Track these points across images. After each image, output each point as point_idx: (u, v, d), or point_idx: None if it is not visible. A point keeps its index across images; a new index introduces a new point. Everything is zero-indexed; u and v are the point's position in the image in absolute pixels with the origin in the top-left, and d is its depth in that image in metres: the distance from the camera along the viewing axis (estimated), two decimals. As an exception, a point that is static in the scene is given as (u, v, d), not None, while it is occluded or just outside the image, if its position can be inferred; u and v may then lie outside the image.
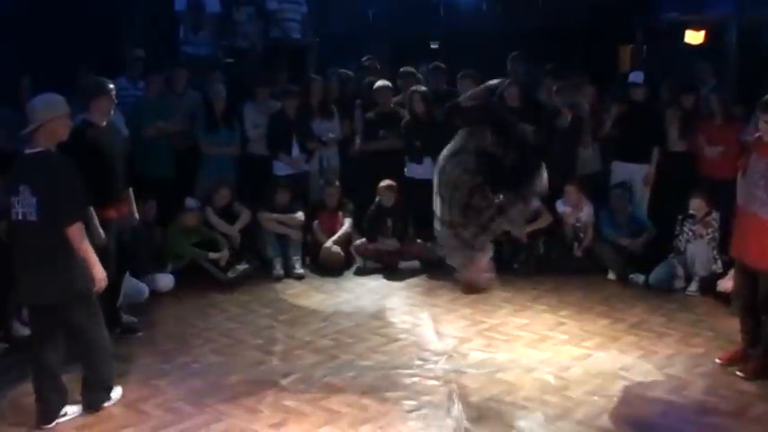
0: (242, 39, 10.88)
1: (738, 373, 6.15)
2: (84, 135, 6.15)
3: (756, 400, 5.70)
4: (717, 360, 6.41)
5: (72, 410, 5.39)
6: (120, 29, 10.67)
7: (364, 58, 10.77)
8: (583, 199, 9.08)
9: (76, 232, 5.12)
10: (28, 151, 5.22)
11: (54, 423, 5.26)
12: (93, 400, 5.45)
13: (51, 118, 5.22)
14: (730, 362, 6.32)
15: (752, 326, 6.30)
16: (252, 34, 10.84)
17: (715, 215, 8.20)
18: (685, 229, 8.37)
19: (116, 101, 6.66)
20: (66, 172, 5.16)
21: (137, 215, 7.09)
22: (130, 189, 6.90)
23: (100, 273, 5.28)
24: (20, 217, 5.16)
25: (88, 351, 5.42)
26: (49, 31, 9.65)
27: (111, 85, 6.58)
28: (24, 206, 5.13)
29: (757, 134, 6.10)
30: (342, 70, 10.50)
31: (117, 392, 5.61)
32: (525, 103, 9.61)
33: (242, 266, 8.61)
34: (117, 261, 6.60)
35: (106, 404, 5.47)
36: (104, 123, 6.50)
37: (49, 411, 5.28)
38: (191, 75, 9.64)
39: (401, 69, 10.26)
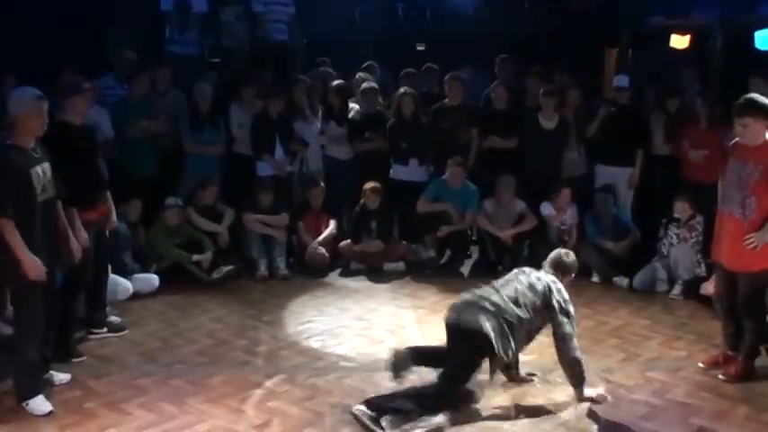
0: (228, 39, 10.88)
1: (721, 376, 6.17)
2: (57, 134, 5.98)
3: (739, 403, 5.72)
4: (700, 364, 6.44)
5: (59, 377, 5.71)
6: (106, 28, 10.64)
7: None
8: (569, 202, 9.12)
9: (2, 227, 5.15)
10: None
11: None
12: (19, 394, 5.43)
13: (22, 114, 5.27)
14: (713, 366, 6.34)
15: (734, 329, 6.33)
16: (238, 34, 10.84)
17: (699, 219, 8.24)
18: (669, 232, 8.41)
19: (93, 100, 6.60)
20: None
21: (115, 219, 7.00)
22: (108, 192, 6.80)
23: (30, 267, 5.22)
24: None
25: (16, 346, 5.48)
26: (35, 30, 9.62)
27: (88, 85, 6.54)
28: None
29: (735, 139, 6.15)
30: (322, 68, 10.54)
31: (38, 403, 5.38)
32: (512, 106, 9.69)
33: (227, 267, 8.59)
34: (97, 263, 6.58)
35: (23, 404, 5.37)
36: (80, 123, 6.41)
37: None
38: (177, 74, 9.62)
39: (404, 71, 10.28)
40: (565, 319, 5.58)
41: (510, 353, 5.47)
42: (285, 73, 10.37)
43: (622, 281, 8.64)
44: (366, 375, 6.10)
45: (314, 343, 6.84)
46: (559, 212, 9.12)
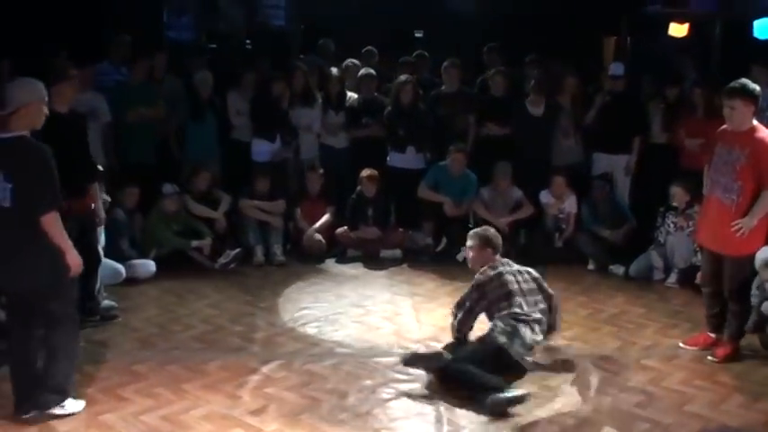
0: (226, 24, 10.86)
1: (710, 358, 6.27)
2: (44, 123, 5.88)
3: (734, 392, 5.74)
4: (680, 344, 6.57)
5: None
6: (103, 12, 10.61)
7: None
8: (566, 190, 9.12)
9: (51, 221, 4.98)
10: (1, 136, 5.03)
11: (30, 414, 5.09)
12: (43, 402, 5.12)
13: (29, 102, 5.08)
14: (694, 346, 6.49)
15: (718, 311, 6.45)
16: (236, 20, 10.82)
17: (696, 208, 8.24)
18: (667, 221, 8.42)
19: (90, 85, 6.54)
20: (43, 159, 4.98)
21: (103, 213, 6.93)
22: (96, 185, 6.72)
23: (75, 259, 5.13)
24: None
25: (55, 346, 5.16)
26: (30, 15, 9.58)
27: (74, 71, 6.49)
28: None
29: (723, 126, 6.25)
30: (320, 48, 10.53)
31: (74, 405, 5.21)
32: (509, 93, 9.68)
33: (233, 251, 8.59)
34: (87, 252, 6.51)
35: (56, 411, 5.11)
36: (65, 111, 6.35)
37: (23, 402, 5.14)
38: (174, 60, 9.59)
39: (401, 59, 10.26)
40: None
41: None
42: (283, 58, 10.35)
43: (618, 269, 8.65)
44: (362, 361, 6.11)
45: (310, 329, 6.85)
46: (557, 201, 9.12)
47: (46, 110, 5.23)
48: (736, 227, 6.02)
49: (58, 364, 5.16)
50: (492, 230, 6.56)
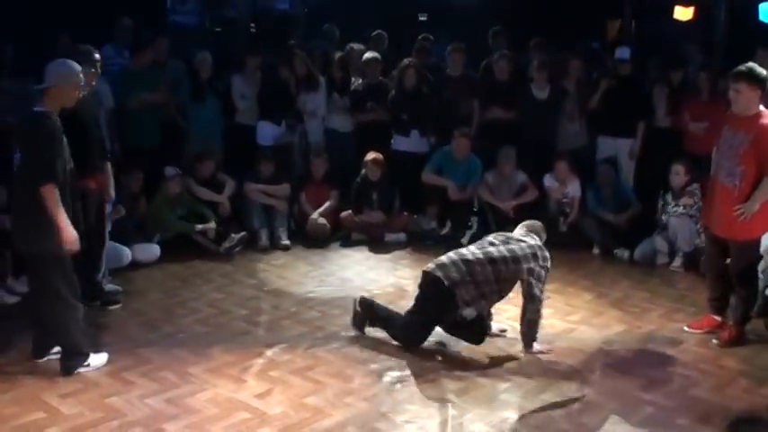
0: (230, 8, 10.82)
1: (714, 341, 6.28)
2: None
3: (738, 376, 5.75)
4: (685, 327, 6.58)
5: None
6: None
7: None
8: (570, 174, 9.11)
9: (48, 194, 5.21)
10: (35, 108, 5.38)
11: (44, 358, 5.62)
12: (67, 366, 5.48)
13: (57, 84, 5.39)
14: (699, 329, 6.49)
15: (720, 294, 6.48)
16: (240, 4, 10.78)
17: (696, 186, 8.23)
18: (668, 203, 8.41)
19: (99, 71, 6.58)
20: (45, 134, 5.27)
21: (113, 192, 6.98)
22: (108, 164, 6.82)
23: (69, 235, 5.30)
24: (15, 167, 5.66)
25: (44, 317, 5.54)
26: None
27: (97, 55, 6.53)
28: (17, 158, 5.55)
29: (729, 110, 6.26)
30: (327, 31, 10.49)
31: (98, 359, 5.61)
32: (513, 77, 9.66)
33: (238, 235, 8.59)
34: (96, 234, 6.56)
35: (82, 370, 5.48)
36: (85, 92, 6.34)
37: (36, 348, 5.65)
38: (178, 44, 9.57)
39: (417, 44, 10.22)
40: (534, 281, 5.90)
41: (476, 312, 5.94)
42: (287, 42, 10.33)
43: (623, 253, 8.65)
44: (366, 345, 6.12)
45: (315, 313, 6.86)
46: (561, 185, 9.11)
47: (79, 93, 5.60)
48: (739, 212, 6.02)
49: (54, 335, 5.58)
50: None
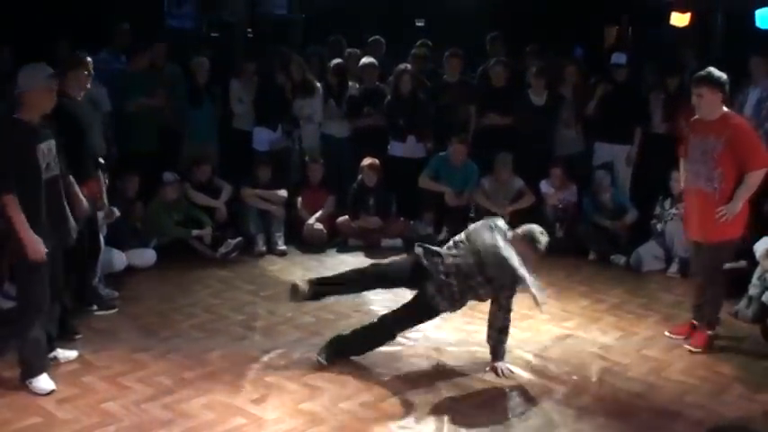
0: (227, 13, 10.82)
1: (687, 347, 6.32)
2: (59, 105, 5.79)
3: (733, 382, 5.76)
4: (666, 333, 6.63)
5: (39, 384, 5.29)
6: (103, 0, 10.58)
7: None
8: (566, 180, 9.12)
9: (6, 203, 5.03)
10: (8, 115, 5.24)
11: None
12: (21, 375, 5.35)
13: (32, 89, 5.18)
14: (680, 335, 6.52)
15: (704, 301, 6.48)
16: (237, 8, 10.78)
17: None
18: (665, 209, 8.42)
19: (92, 74, 6.57)
20: (3, 144, 5.07)
21: (105, 200, 6.90)
22: (100, 172, 6.72)
23: (32, 246, 5.10)
24: None
25: (22, 319, 5.36)
26: (30, 3, 9.56)
27: (89, 59, 6.51)
28: None
29: (694, 117, 6.33)
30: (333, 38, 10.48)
31: (42, 384, 5.30)
32: (510, 84, 9.68)
33: (234, 240, 8.59)
34: (86, 241, 6.52)
35: (26, 383, 5.29)
36: (80, 97, 6.40)
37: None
38: (175, 48, 9.57)
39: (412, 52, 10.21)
40: (508, 293, 5.76)
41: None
42: (284, 47, 10.33)
43: (619, 259, 8.65)
44: (363, 351, 6.11)
45: (311, 318, 6.84)
46: (558, 191, 9.12)
47: (53, 96, 5.31)
48: (721, 213, 6.07)
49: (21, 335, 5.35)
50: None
